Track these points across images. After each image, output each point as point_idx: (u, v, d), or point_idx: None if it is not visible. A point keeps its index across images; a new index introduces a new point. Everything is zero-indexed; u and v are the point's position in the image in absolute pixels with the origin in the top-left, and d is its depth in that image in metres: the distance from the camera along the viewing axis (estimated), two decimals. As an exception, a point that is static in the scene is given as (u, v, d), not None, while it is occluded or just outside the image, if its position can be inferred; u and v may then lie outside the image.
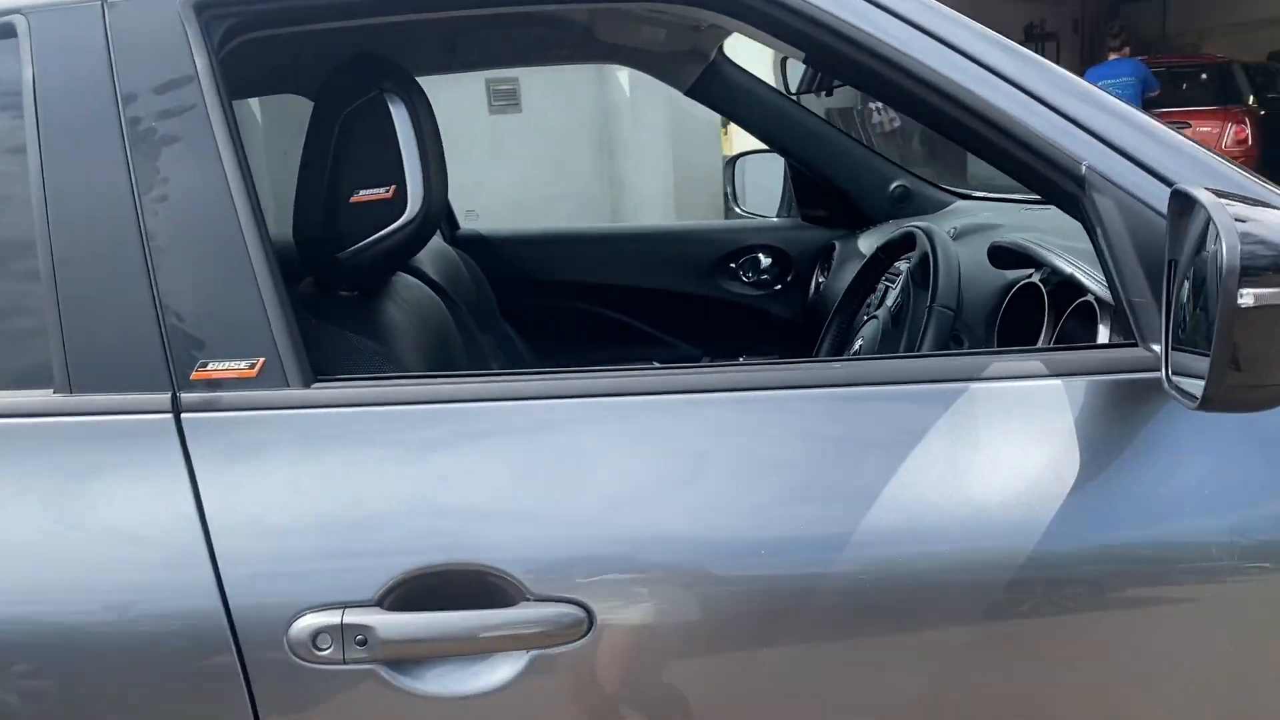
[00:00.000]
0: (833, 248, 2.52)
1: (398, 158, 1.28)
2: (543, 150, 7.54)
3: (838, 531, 0.98)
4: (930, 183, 2.53)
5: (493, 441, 1.01)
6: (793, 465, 1.01)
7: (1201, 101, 9.48)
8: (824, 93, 1.99)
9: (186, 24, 1.05)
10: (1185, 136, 1.12)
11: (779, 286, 2.59)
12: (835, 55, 1.10)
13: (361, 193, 1.28)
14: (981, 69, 1.08)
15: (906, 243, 1.54)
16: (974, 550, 0.98)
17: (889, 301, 1.47)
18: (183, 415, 1.00)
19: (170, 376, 1.00)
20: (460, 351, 1.60)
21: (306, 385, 1.01)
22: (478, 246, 2.50)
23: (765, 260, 2.59)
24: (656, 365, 1.09)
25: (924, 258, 1.43)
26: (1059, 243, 1.48)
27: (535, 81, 7.37)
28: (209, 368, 1.01)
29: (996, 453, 1.01)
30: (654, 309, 2.59)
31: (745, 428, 1.02)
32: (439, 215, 1.38)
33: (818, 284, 2.54)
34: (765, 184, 2.72)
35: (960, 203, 2.50)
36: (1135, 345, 1.06)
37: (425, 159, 1.30)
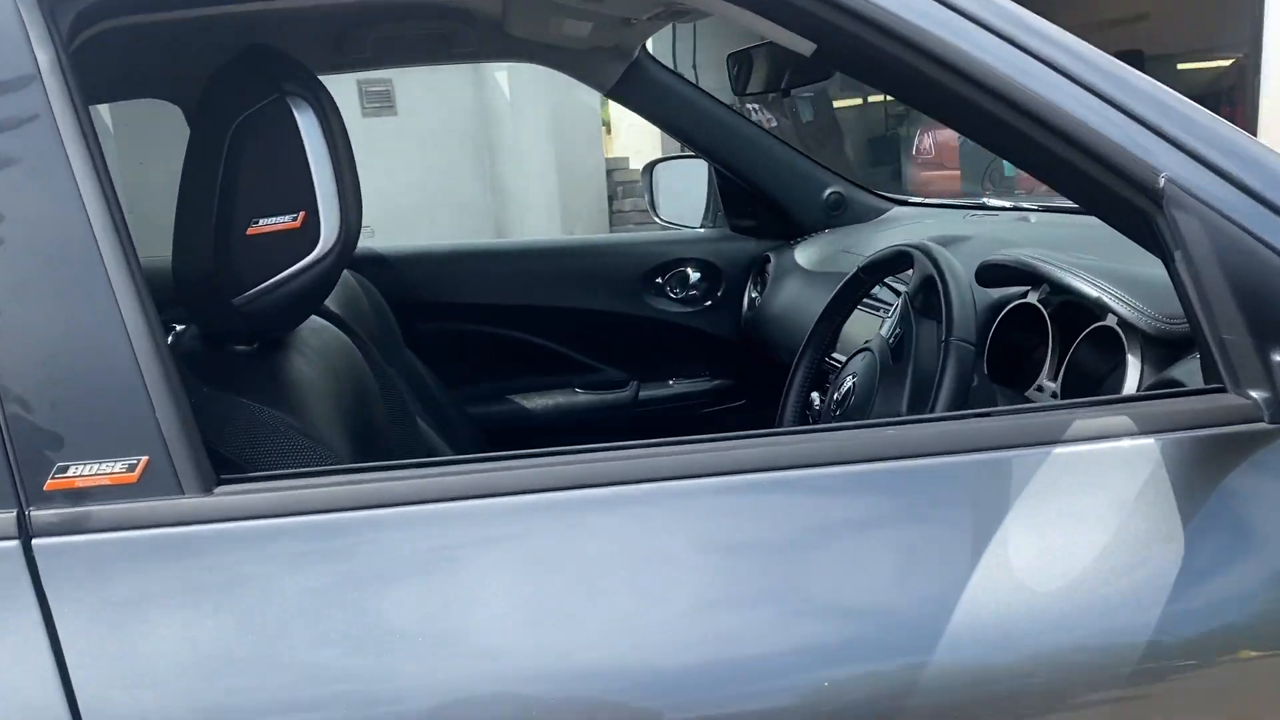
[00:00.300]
0: (766, 260, 2.33)
1: (307, 176, 1.02)
2: (420, 155, 7.19)
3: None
4: (865, 188, 2.37)
5: (464, 560, 0.77)
6: (851, 577, 0.80)
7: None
8: (783, 94, 1.80)
9: (24, 10, 0.78)
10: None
11: (709, 302, 2.40)
12: (861, 49, 0.90)
13: (262, 222, 1.01)
14: (1043, 65, 0.89)
15: (896, 263, 1.35)
16: (1099, 636, 0.80)
17: (883, 331, 1.29)
18: (34, 541, 0.73)
19: (15, 488, 0.73)
20: (380, 406, 1.34)
21: (207, 490, 0.75)
22: (376, 268, 2.22)
23: (694, 274, 2.39)
24: (647, 442, 0.86)
25: (926, 282, 1.25)
26: (1065, 258, 1.32)
27: (410, 83, 7.03)
28: (70, 473, 0.74)
29: (1094, 530, 0.82)
30: (575, 331, 2.36)
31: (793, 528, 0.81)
32: (355, 245, 1.12)
33: (751, 299, 2.35)
34: (687, 192, 2.52)
35: (897, 209, 2.36)
36: (1224, 390, 0.89)
37: (341, 177, 1.05)
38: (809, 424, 1.68)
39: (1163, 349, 1.18)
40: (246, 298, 1.02)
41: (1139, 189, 0.90)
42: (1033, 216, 2.05)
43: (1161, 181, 0.89)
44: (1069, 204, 2.32)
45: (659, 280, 2.37)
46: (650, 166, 2.58)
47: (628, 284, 2.36)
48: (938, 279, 1.19)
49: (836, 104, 11.00)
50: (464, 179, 7.64)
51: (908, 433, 0.86)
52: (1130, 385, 1.19)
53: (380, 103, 6.94)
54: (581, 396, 2.36)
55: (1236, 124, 0.95)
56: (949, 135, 9.22)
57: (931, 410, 1.11)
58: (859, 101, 11.86)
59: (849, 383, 1.30)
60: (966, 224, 2.09)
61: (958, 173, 8.81)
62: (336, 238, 1.05)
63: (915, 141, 10.10)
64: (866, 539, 0.81)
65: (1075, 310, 1.36)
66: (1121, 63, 0.94)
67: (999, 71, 0.88)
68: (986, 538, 0.81)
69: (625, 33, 1.96)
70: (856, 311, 1.77)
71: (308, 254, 1.03)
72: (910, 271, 1.38)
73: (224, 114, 1.01)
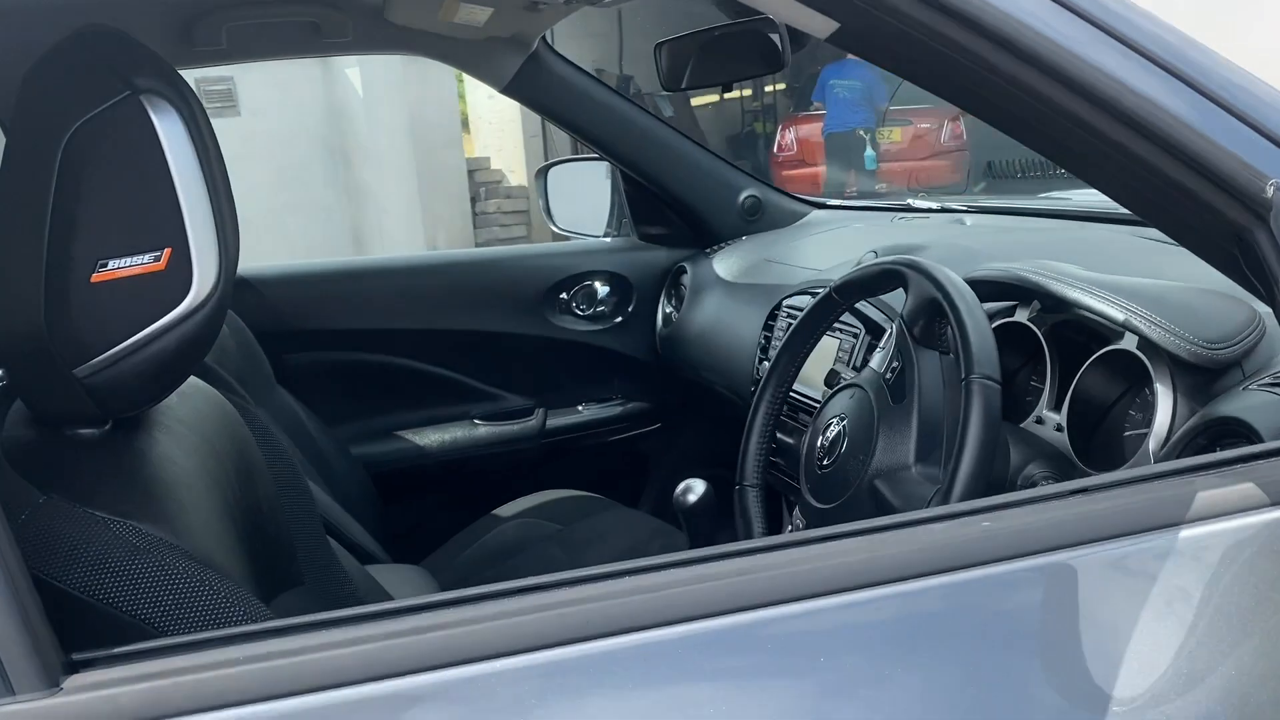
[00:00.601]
0: (682, 271, 2.14)
1: (172, 201, 0.76)
2: (267, 158, 6.72)
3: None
4: (783, 191, 2.20)
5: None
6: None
7: (919, 100, 9.91)
8: (724, 90, 1.61)
9: None
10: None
11: (619, 319, 2.18)
12: (910, 28, 0.71)
13: (112, 265, 0.75)
14: (1126, 48, 0.72)
15: (878, 284, 1.17)
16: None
17: (875, 364, 1.10)
18: None
19: None
20: (267, 479, 1.08)
21: (51, 685, 0.50)
22: (238, 293, 1.91)
23: (602, 289, 2.17)
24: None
25: (926, 307, 1.07)
26: (1068, 271, 1.16)
27: (254, 80, 6.56)
28: None
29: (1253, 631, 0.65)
30: (471, 356, 2.11)
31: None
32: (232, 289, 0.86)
33: (666, 315, 2.15)
34: (588, 197, 2.30)
35: (815, 213, 2.19)
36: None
37: (217, 201, 0.79)
38: (783, 473, 1.49)
39: (1198, 377, 1.03)
40: (92, 367, 0.75)
41: (1237, 198, 0.74)
42: (967, 219, 1.92)
43: (1270, 190, 0.73)
44: (1004, 204, 2.21)
45: (564, 296, 2.15)
46: (545, 170, 2.35)
47: (529, 301, 2.12)
48: (946, 305, 1.01)
49: (694, 101, 10.95)
50: (315, 183, 7.20)
51: (1009, 522, 0.66)
52: (1162, 419, 1.04)
53: (221, 102, 6.45)
54: (482, 429, 2.11)
55: None
56: (812, 131, 9.26)
57: (956, 463, 0.93)
58: (716, 99, 11.84)
59: (836, 426, 1.11)
60: (900, 229, 1.94)
61: (821, 169, 8.84)
62: (215, 282, 0.79)
63: (776, 138, 10.11)
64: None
65: (1074, 330, 1.21)
66: (1206, 45, 0.77)
67: (1087, 61, 0.70)
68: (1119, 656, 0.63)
69: (527, 21, 1.73)
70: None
71: (176, 305, 0.77)
72: (888, 291, 1.20)
73: (52, 119, 0.74)
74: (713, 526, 1.49)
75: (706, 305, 2.00)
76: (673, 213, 2.16)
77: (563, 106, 2.00)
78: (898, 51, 0.77)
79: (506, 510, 1.96)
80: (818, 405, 1.43)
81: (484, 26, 1.71)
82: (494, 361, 2.12)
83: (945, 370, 1.06)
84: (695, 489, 1.47)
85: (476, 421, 2.12)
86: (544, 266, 2.15)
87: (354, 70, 7.10)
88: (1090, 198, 2.77)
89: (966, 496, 0.93)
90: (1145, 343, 1.07)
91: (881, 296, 1.25)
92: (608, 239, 2.25)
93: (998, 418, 0.95)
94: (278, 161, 6.83)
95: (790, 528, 1.16)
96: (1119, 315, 1.05)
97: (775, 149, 9.86)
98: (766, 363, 1.63)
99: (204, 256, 0.78)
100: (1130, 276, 1.19)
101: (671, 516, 2.33)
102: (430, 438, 2.09)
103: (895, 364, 1.08)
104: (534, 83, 1.93)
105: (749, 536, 1.26)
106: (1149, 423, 1.10)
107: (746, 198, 2.14)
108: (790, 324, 1.61)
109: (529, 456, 2.14)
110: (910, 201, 2.12)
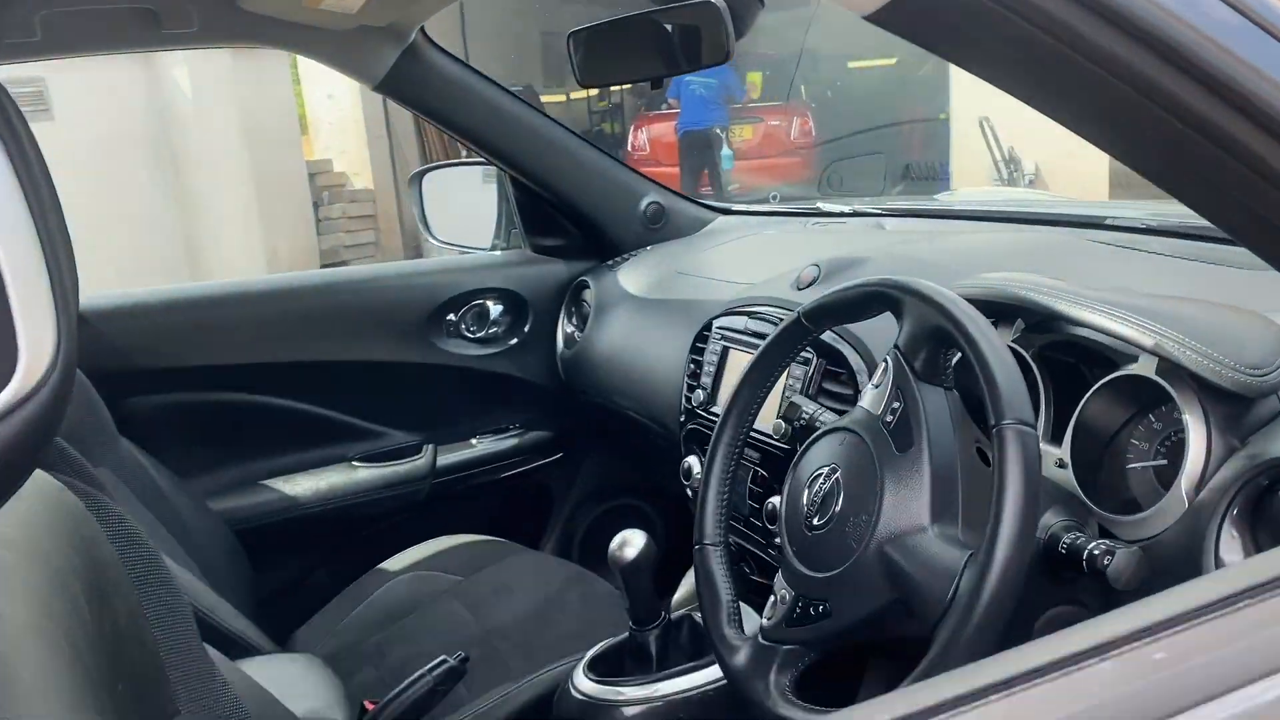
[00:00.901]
0: (583, 286, 1.94)
1: None
2: (87, 167, 6.14)
3: None
4: (686, 197, 2.04)
5: None
6: None
7: (766, 98, 9.97)
8: (653, 85, 1.42)
9: None
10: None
11: (515, 340, 1.97)
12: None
13: None
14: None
15: (860, 309, 1.01)
16: None
17: (868, 404, 0.94)
18: None
19: None
20: (125, 587, 0.83)
21: None
22: (68, 329, 1.62)
23: (494, 308, 1.96)
24: None
25: (930, 336, 0.91)
26: (1066, 287, 1.03)
27: (67, 81, 5.99)
28: None
29: None
30: (347, 389, 1.87)
31: None
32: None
33: (568, 335, 1.95)
34: (472, 206, 2.09)
35: (721, 219, 2.04)
36: None
37: (50, 245, 0.56)
38: (750, 531, 1.32)
39: (1232, 407, 0.91)
40: None
41: None
42: (886, 223, 1.80)
43: None
44: (922, 206, 2.11)
45: (452, 317, 1.92)
46: (419, 176, 2.11)
47: (412, 325, 1.89)
48: (959, 336, 0.86)
49: (543, 99, 10.73)
50: (143, 191, 6.65)
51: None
52: (1196, 457, 0.91)
53: (31, 106, 5.85)
54: (363, 471, 1.87)
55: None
56: (665, 130, 9.19)
57: (995, 528, 0.78)
58: (563, 98, 11.64)
59: (826, 479, 0.94)
60: (818, 235, 1.81)
61: (675, 170, 8.76)
62: (53, 355, 0.56)
63: (629, 138, 10.00)
64: None
65: (1064, 352, 1.08)
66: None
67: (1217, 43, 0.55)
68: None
69: (406, 7, 1.51)
70: (735, 350, 1.43)
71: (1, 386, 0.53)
72: (872, 317, 1.04)
73: None
74: (654, 584, 1.32)
75: (615, 324, 1.82)
76: (569, 222, 1.96)
77: (445, 105, 1.78)
78: (972, 35, 0.61)
79: (395, 563, 1.73)
80: (776, 446, 1.27)
81: (356, 14, 1.47)
82: (374, 394, 1.88)
83: (953, 409, 0.91)
84: (633, 542, 1.29)
85: (355, 463, 1.88)
86: (428, 285, 1.92)
87: (181, 69, 6.59)
88: (1004, 195, 2.71)
89: (1011, 567, 0.78)
90: (1167, 367, 0.94)
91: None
92: (497, 252, 2.03)
93: (1038, 469, 0.80)
94: (100, 170, 6.26)
95: (775, 598, 0.99)
96: (1147, 340, 0.91)
97: (628, 149, 9.75)
98: (700, 390, 1.46)
99: (34, 323, 0.54)
100: (1107, 285, 1.08)
101: (581, 556, 2.15)
102: (302, 485, 1.83)
103: (896, 405, 0.92)
104: (412, 79, 1.71)
105: (714, 602, 1.08)
106: (1171, 458, 0.98)
107: (649, 204, 1.96)
108: (724, 347, 1.44)
109: (418, 500, 1.91)
110: (820, 205, 2.00)
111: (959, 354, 0.92)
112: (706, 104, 8.66)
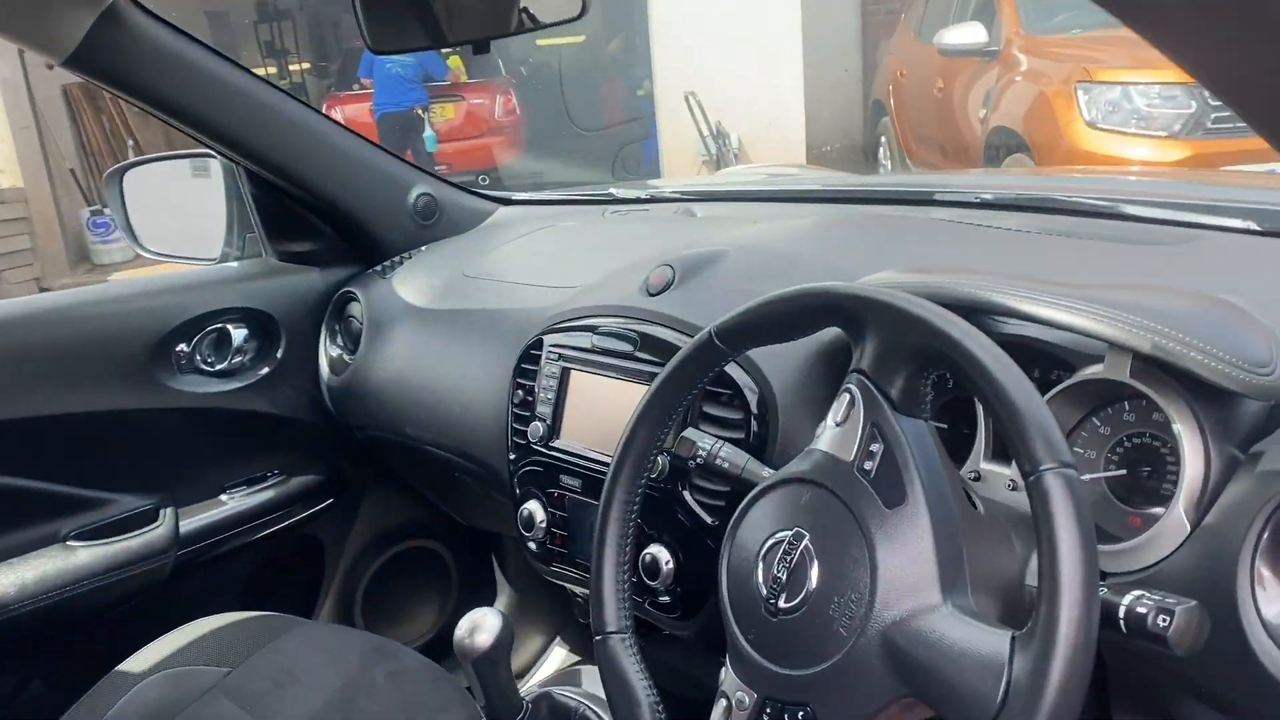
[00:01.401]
0: (349, 299, 1.62)
1: None
2: None
3: None
4: (458, 186, 1.76)
5: None
6: None
7: (472, 73, 9.60)
8: (481, 49, 1.10)
9: None
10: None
11: (266, 370, 1.62)
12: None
13: None
14: None
15: (799, 323, 0.81)
16: None
17: (832, 447, 0.73)
18: None
19: None
20: None
21: None
22: None
23: (237, 333, 1.59)
24: None
25: (907, 360, 0.72)
26: (1028, 285, 0.88)
27: None
28: None
29: None
30: (50, 450, 1.45)
31: None
32: None
33: (334, 358, 1.63)
34: (191, 206, 1.70)
35: (503, 210, 1.78)
36: None
37: None
38: (658, 609, 1.08)
39: (1224, 412, 0.80)
40: None
41: None
42: (697, 209, 1.62)
43: None
44: (733, 188, 1.94)
45: (182, 349, 1.54)
46: (119, 174, 1.70)
47: (132, 362, 1.50)
48: (966, 364, 0.67)
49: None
50: None
51: None
52: (1194, 470, 0.79)
53: None
54: (83, 552, 1.47)
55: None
56: (359, 111, 8.62)
57: (1053, 603, 0.61)
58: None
59: (790, 547, 0.73)
60: (630, 226, 1.60)
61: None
62: None
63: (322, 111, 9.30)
64: None
65: (1011, 354, 0.94)
66: None
67: None
68: None
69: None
70: (579, 373, 1.19)
71: None
72: (807, 335, 0.84)
73: None
74: (509, 669, 1.07)
75: (397, 343, 1.52)
76: (322, 221, 1.63)
77: (154, 82, 1.40)
78: None
79: (139, 661, 1.35)
80: (651, 486, 1.04)
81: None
82: (88, 453, 1.48)
83: (937, 445, 0.73)
84: (485, 625, 1.04)
85: (72, 543, 1.47)
86: (148, 311, 1.52)
87: None
88: (787, 173, 2.61)
89: (1080, 645, 0.61)
90: (1141, 367, 0.81)
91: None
92: (233, 264, 1.66)
93: (1091, 522, 0.64)
94: None
95: (728, 704, 0.77)
96: (1144, 344, 0.77)
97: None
98: (538, 423, 1.21)
99: None
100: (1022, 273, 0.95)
101: (367, 618, 1.84)
102: (4, 581, 1.41)
103: (874, 447, 0.73)
104: (111, 51, 1.32)
105: (631, 704, 0.85)
106: (1129, 467, 0.86)
107: (419, 197, 1.67)
108: (564, 369, 1.20)
109: (160, 578, 1.53)
110: (613, 191, 1.79)
111: (935, 375, 0.75)
112: (405, 83, 8.23)
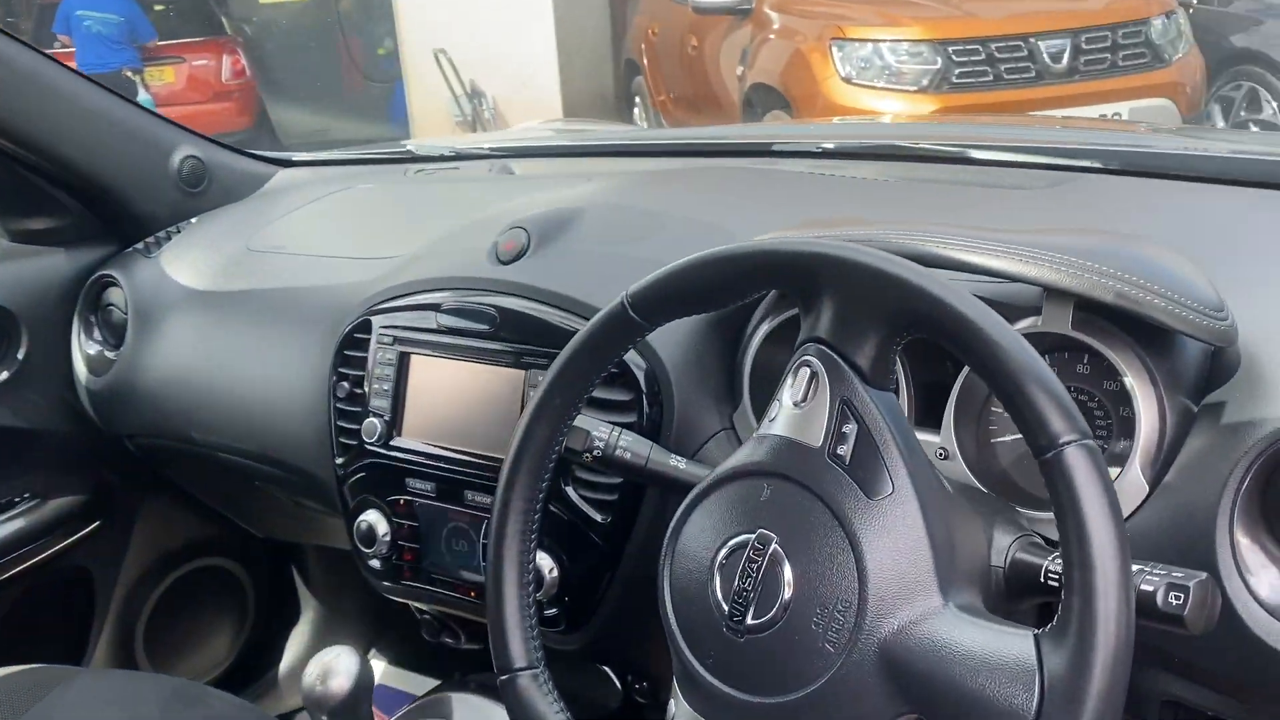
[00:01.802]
0: (108, 284, 1.36)
1: None
2: None
3: None
4: (230, 147, 1.52)
5: None
6: None
7: (183, 34, 8.74)
8: None
9: None
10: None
11: (4, 375, 1.34)
12: None
13: None
14: None
15: (738, 287, 0.69)
16: None
17: (787, 430, 0.61)
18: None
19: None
20: None
21: None
22: None
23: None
24: None
25: (885, 323, 0.62)
26: (965, 233, 0.79)
27: None
28: None
29: None
30: None
31: None
32: None
33: (91, 355, 1.36)
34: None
35: (284, 173, 1.56)
36: None
37: None
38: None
39: (1175, 363, 0.75)
40: None
41: None
42: (515, 165, 1.47)
43: None
44: (553, 143, 1.79)
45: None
46: None
47: None
48: (965, 331, 0.57)
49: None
50: None
51: None
52: (1150, 426, 0.74)
53: None
54: None
55: None
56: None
57: (1087, 593, 0.53)
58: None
59: (754, 552, 0.61)
60: (445, 187, 1.43)
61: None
62: None
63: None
64: None
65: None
66: None
67: None
68: None
69: None
70: (422, 357, 1.02)
71: None
72: (741, 301, 0.72)
73: None
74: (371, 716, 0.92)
75: (173, 333, 1.28)
76: (65, 193, 1.36)
77: None
78: None
79: None
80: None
81: None
82: None
83: (907, 418, 0.63)
84: (339, 669, 0.88)
85: None
86: None
87: None
88: (595, 129, 2.47)
89: (1122, 634, 0.54)
90: (1086, 319, 0.75)
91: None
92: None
93: (1118, 499, 0.56)
94: None
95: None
96: (1107, 295, 0.71)
97: None
98: (373, 419, 1.03)
99: None
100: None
101: (152, 657, 1.57)
102: None
103: (846, 428, 0.62)
104: None
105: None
106: (1100, 433, 0.80)
107: (184, 160, 1.42)
108: (402, 355, 1.03)
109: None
110: (410, 148, 1.60)
111: (904, 341, 0.65)
112: (109, 44, 7.40)
